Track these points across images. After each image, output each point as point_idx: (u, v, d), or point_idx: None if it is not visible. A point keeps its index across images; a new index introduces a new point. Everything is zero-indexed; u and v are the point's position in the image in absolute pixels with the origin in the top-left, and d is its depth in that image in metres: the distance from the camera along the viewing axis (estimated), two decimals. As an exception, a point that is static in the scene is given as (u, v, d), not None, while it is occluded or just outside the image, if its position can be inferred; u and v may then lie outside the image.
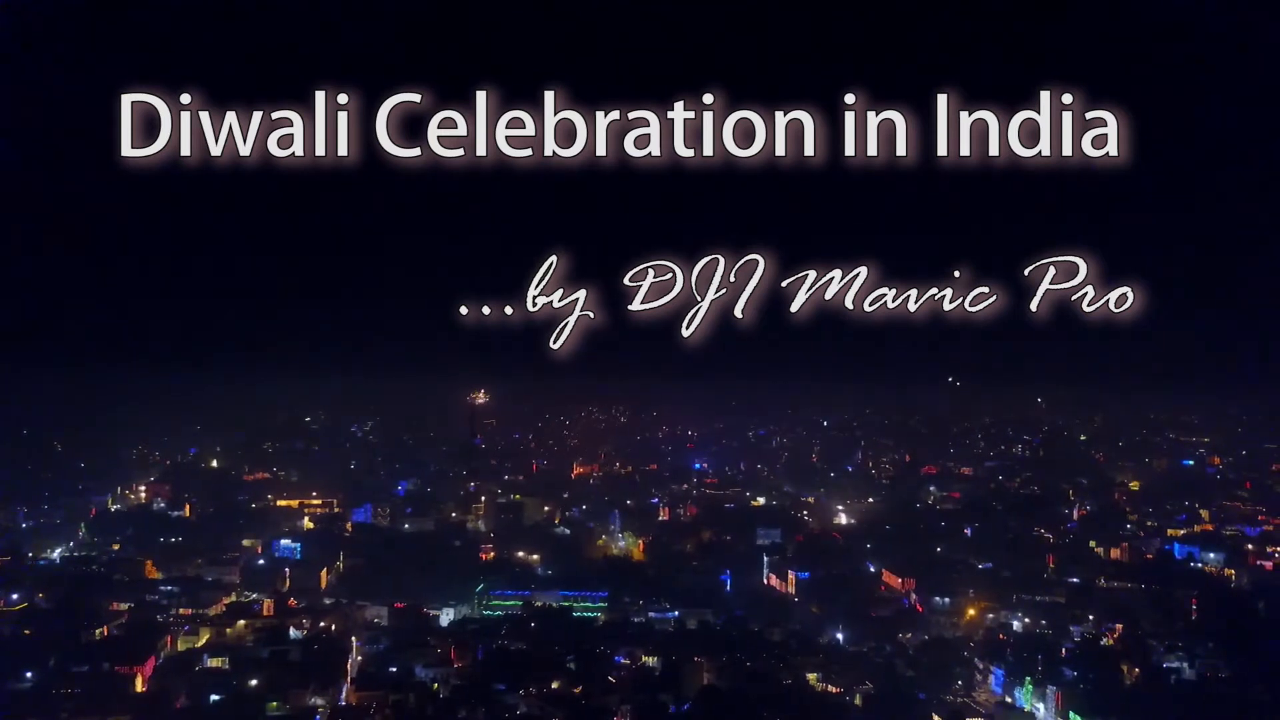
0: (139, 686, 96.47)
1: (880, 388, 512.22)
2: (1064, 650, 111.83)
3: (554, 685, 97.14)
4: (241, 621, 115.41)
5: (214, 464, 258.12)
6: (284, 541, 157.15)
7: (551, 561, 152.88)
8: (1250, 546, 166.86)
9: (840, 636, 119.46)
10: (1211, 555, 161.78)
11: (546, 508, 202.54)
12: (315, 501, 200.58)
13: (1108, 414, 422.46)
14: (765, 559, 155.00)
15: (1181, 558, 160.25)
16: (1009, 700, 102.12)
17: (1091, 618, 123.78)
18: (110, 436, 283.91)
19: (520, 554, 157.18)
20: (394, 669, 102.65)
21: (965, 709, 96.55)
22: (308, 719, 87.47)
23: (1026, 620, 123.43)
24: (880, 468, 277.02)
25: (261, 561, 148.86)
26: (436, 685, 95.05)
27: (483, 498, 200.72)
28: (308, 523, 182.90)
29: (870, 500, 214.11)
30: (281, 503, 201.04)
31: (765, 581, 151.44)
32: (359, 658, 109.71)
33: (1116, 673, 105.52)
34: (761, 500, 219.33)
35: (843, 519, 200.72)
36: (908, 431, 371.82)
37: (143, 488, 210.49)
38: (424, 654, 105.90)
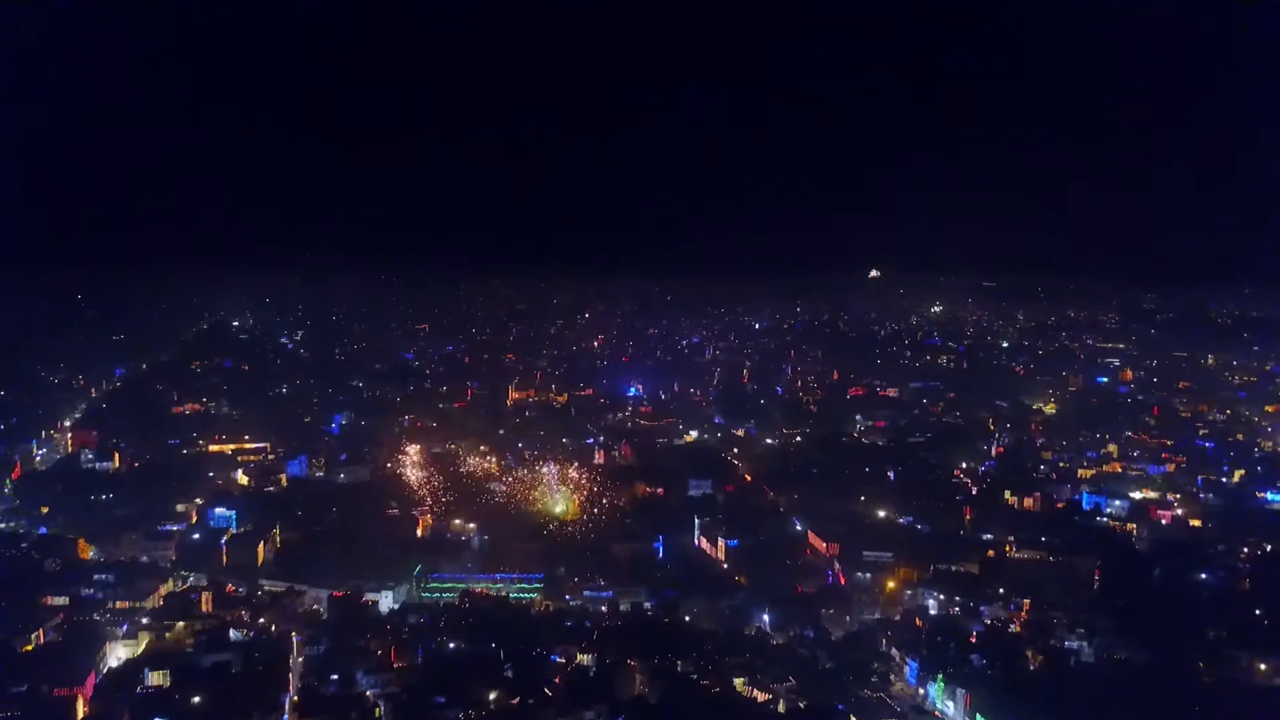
0: (80, 711, 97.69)
1: (812, 279, 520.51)
2: (974, 635, 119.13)
3: (492, 696, 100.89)
4: (180, 623, 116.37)
5: (141, 393, 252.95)
6: (219, 510, 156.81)
7: (488, 528, 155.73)
8: (1153, 494, 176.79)
9: (766, 618, 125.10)
10: (1117, 502, 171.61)
11: (483, 447, 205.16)
12: (249, 447, 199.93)
13: (1030, 312, 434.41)
14: (696, 520, 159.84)
15: (1089, 509, 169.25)
16: (921, 693, 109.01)
17: (1002, 591, 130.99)
18: (29, 358, 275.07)
19: (457, 522, 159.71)
20: (335, 676, 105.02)
21: (881, 706, 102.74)
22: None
23: (941, 598, 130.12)
24: (808, 388, 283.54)
25: (197, 536, 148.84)
26: (379, 710, 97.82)
27: (418, 445, 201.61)
28: (242, 476, 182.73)
29: (798, 438, 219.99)
30: (214, 448, 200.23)
31: (696, 543, 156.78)
32: (300, 659, 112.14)
33: (1022, 660, 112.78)
34: (694, 434, 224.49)
35: (771, 458, 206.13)
36: (837, 336, 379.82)
37: (69, 434, 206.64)
38: (365, 658, 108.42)
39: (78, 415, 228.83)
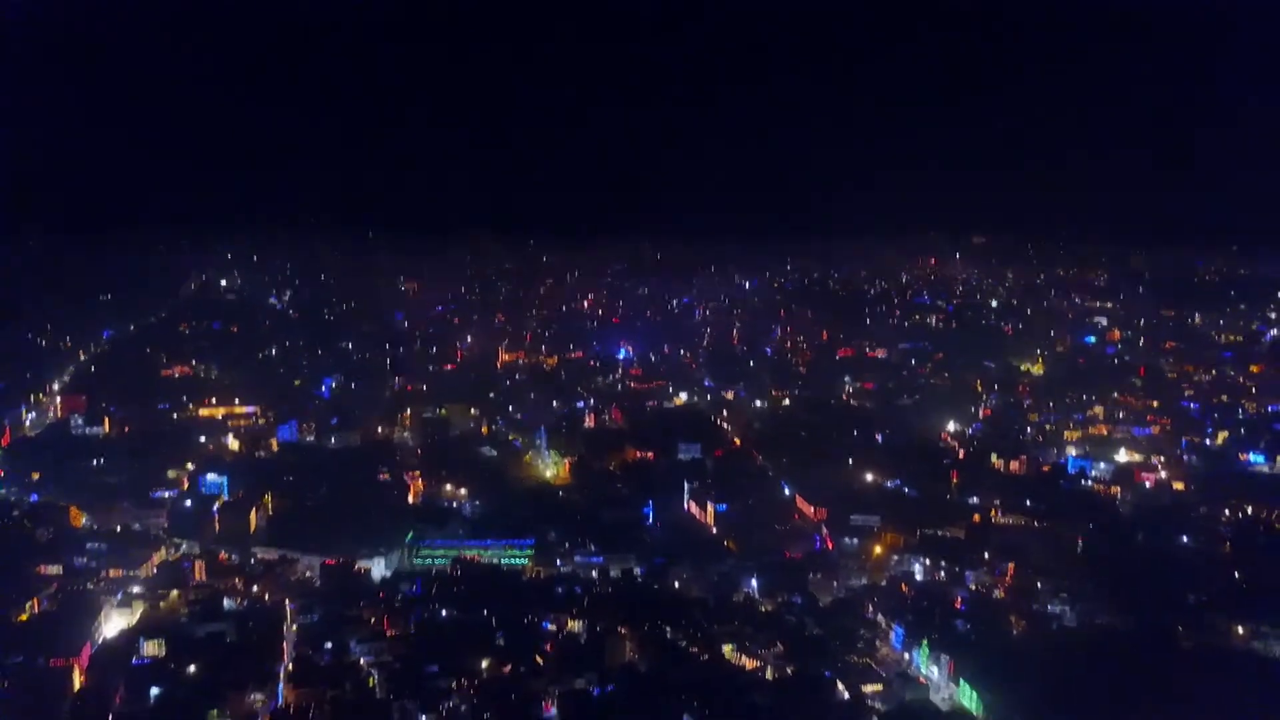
0: (76, 682, 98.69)
1: (803, 237, 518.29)
2: (959, 600, 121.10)
3: (484, 665, 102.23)
4: (175, 592, 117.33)
5: (130, 356, 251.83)
6: (210, 477, 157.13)
7: (479, 493, 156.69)
8: (1138, 457, 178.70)
9: (755, 584, 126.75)
10: (1102, 465, 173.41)
11: (473, 410, 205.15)
12: (239, 411, 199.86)
13: (1020, 270, 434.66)
14: (686, 485, 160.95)
15: (1074, 472, 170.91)
16: (907, 657, 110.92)
17: (987, 556, 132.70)
18: (16, 322, 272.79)
19: (448, 487, 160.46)
20: (329, 645, 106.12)
21: (867, 672, 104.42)
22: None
23: (927, 563, 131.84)
24: (798, 348, 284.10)
25: (189, 503, 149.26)
26: (372, 680, 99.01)
27: (408, 409, 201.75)
28: (233, 441, 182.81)
29: (786, 401, 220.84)
30: (204, 412, 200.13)
31: (686, 508, 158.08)
32: (294, 627, 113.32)
33: (1005, 627, 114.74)
34: (684, 397, 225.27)
35: (761, 421, 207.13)
36: (826, 295, 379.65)
37: (59, 400, 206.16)
38: (358, 628, 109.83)
39: (66, 379, 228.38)
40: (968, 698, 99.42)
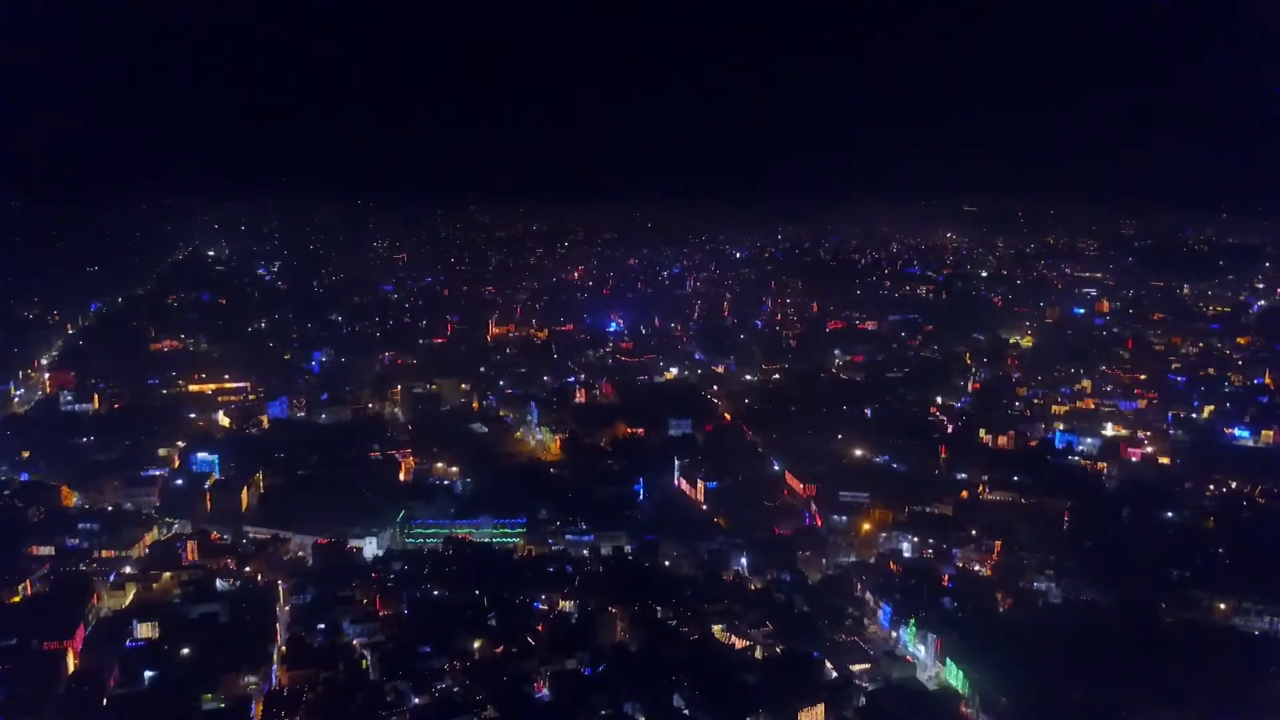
0: (70, 665, 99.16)
1: (794, 205, 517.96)
2: (946, 578, 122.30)
3: (476, 645, 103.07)
4: (167, 574, 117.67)
5: (118, 330, 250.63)
6: (201, 455, 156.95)
7: (470, 470, 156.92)
8: (1124, 432, 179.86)
9: (745, 562, 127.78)
10: (1089, 440, 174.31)
11: (464, 385, 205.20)
12: (229, 387, 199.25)
13: (1011, 239, 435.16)
14: (676, 461, 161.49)
15: (1061, 447, 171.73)
16: (894, 635, 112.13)
17: (974, 533, 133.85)
18: (3, 295, 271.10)
19: (439, 464, 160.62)
20: (322, 626, 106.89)
21: (855, 651, 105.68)
22: (243, 709, 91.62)
23: (915, 540, 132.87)
24: (788, 321, 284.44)
25: (180, 482, 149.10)
26: (365, 661, 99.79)
27: (398, 384, 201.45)
28: (223, 418, 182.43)
29: (776, 375, 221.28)
30: (194, 388, 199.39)
31: (676, 485, 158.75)
32: (287, 608, 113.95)
33: (991, 605, 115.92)
34: (674, 371, 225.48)
35: (750, 395, 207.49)
36: (817, 265, 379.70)
37: (47, 375, 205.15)
38: (350, 608, 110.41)
39: (54, 354, 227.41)
40: (954, 676, 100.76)
